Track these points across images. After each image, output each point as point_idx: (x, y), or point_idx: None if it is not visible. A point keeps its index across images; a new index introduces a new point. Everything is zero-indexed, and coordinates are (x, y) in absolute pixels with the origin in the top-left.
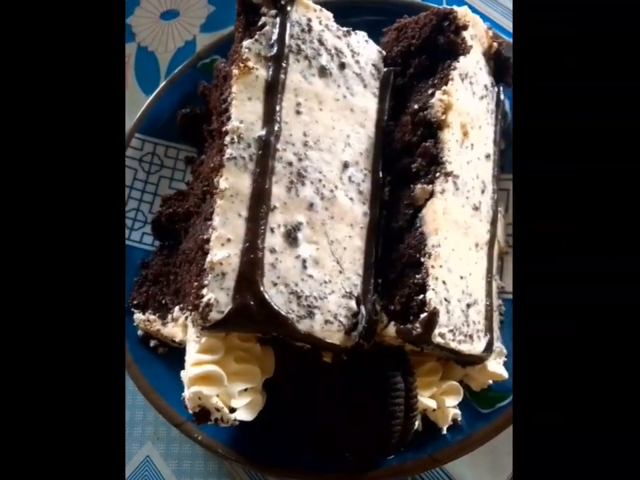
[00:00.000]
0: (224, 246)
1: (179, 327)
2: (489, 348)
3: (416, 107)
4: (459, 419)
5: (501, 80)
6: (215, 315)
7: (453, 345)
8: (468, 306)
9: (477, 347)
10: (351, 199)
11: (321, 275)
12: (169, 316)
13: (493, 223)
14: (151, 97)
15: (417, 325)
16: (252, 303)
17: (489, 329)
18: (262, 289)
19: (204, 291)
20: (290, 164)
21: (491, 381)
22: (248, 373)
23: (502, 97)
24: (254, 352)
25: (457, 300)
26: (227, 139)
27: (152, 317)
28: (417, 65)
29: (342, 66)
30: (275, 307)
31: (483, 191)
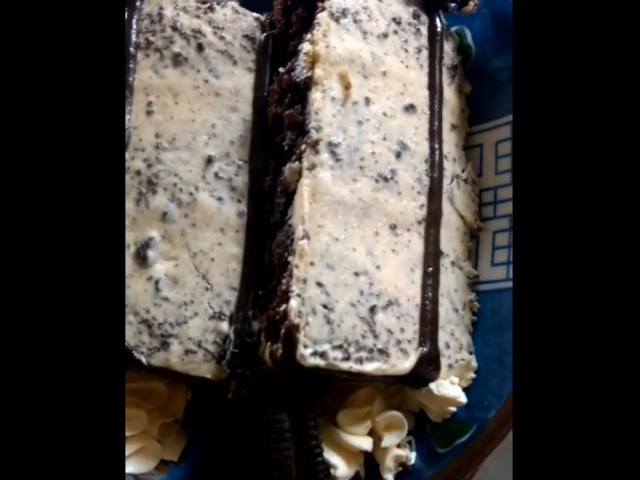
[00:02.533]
0: None
1: None
2: (428, 363)
3: (282, 69)
4: (411, 462)
5: (436, 6)
6: None
7: (346, 365)
8: (372, 310)
9: (397, 364)
10: (220, 198)
11: (179, 296)
12: None
13: (433, 194)
14: None
15: (279, 344)
16: None
17: (427, 337)
18: None
19: None
20: (138, 173)
21: (453, 409)
22: (130, 419)
23: (438, 27)
24: (148, 391)
25: (347, 304)
26: None
27: None
28: (295, 20)
29: (199, 47)
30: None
31: (398, 155)
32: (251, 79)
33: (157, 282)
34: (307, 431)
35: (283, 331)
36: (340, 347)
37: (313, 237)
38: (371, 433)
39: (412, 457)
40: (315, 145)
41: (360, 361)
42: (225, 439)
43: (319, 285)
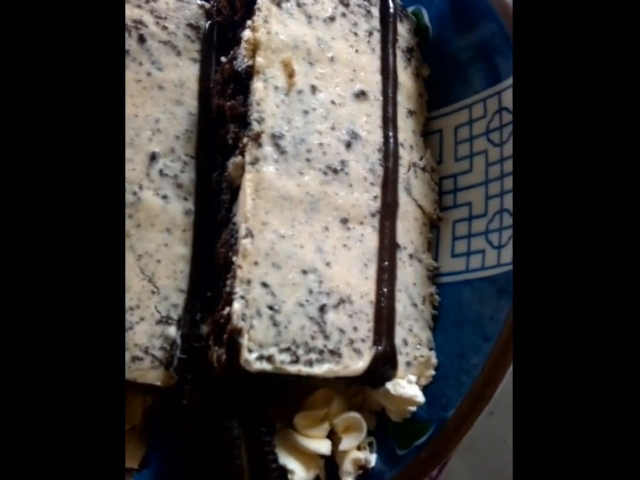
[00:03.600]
0: None
1: None
2: (383, 362)
3: (223, 59)
4: (371, 464)
5: None
6: None
7: (295, 368)
8: (322, 310)
9: (350, 364)
10: (165, 197)
11: (126, 301)
12: None
13: (388, 184)
14: None
15: (222, 349)
16: None
17: (382, 334)
18: None
19: None
20: None
21: (413, 408)
22: None
23: (391, 8)
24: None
25: (295, 304)
26: None
27: None
28: (239, 6)
29: (141, 39)
30: None
31: (348, 145)
32: (195, 70)
33: None
34: (259, 437)
35: (225, 335)
36: (287, 349)
37: (256, 235)
38: (330, 435)
39: (372, 459)
40: (257, 138)
41: (310, 363)
42: (183, 446)
43: (264, 285)
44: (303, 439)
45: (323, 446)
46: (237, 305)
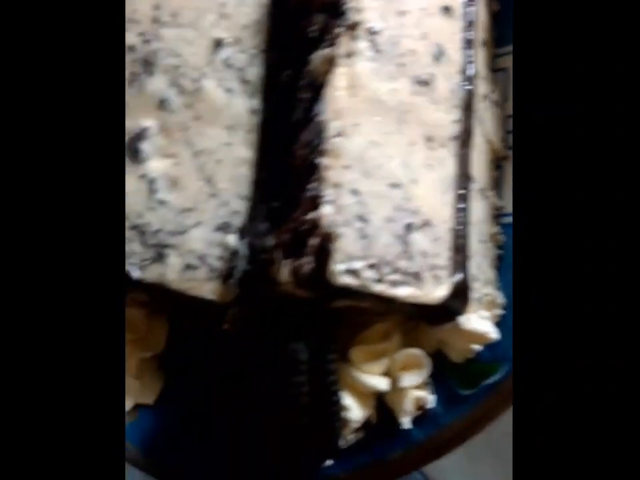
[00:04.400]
0: None
1: None
2: (459, 294)
3: None
4: (430, 405)
5: None
6: None
7: (379, 287)
8: (408, 228)
9: (431, 291)
10: (229, 90)
11: (180, 200)
12: None
13: (467, 108)
14: None
15: (308, 257)
16: None
17: (459, 264)
18: None
19: None
20: (132, 49)
21: (477, 347)
22: None
23: None
24: (136, 319)
25: (382, 219)
26: None
27: None
28: None
29: None
30: None
31: (437, 59)
32: None
33: (152, 181)
34: (325, 366)
35: (315, 241)
36: (373, 266)
37: (348, 135)
38: (386, 373)
39: (431, 399)
40: (353, 29)
41: (393, 284)
42: (221, 374)
43: (354, 192)
44: (361, 374)
45: (382, 382)
46: (327, 209)
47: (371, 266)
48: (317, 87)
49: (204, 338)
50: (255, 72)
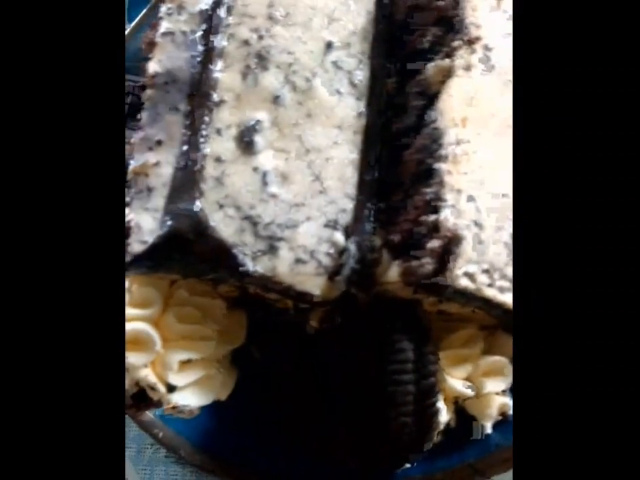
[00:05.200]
0: (152, 150)
1: None
2: None
3: None
4: (511, 411)
5: None
6: (136, 247)
7: (490, 292)
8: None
9: None
10: (338, 91)
11: (289, 195)
12: None
13: None
14: (129, 28)
15: (427, 259)
16: (187, 229)
17: None
18: (201, 211)
19: (127, 211)
20: (246, 43)
21: None
22: (194, 338)
23: None
24: (210, 310)
25: (494, 226)
26: (163, 9)
27: None
28: None
29: None
30: (220, 237)
31: None
32: None
33: (264, 174)
34: (428, 367)
35: (435, 243)
36: (487, 271)
37: (467, 143)
38: (467, 378)
39: (510, 406)
40: (472, 43)
41: (501, 290)
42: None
43: (471, 198)
44: (450, 379)
45: (469, 387)
46: (448, 213)
47: (485, 271)
48: (430, 96)
49: (288, 334)
50: (362, 76)
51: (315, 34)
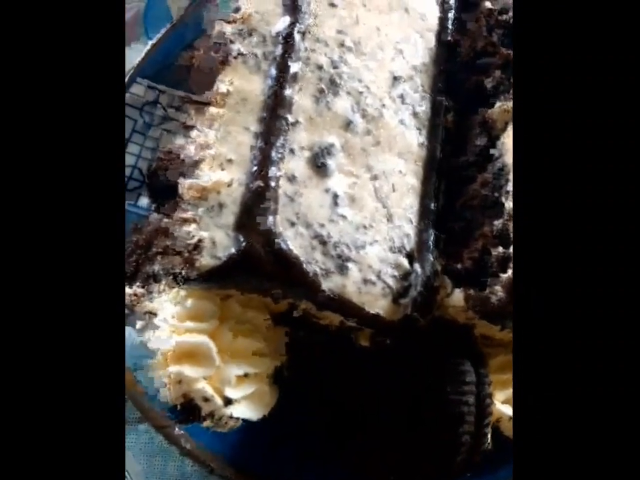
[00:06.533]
0: (223, 168)
1: (168, 299)
2: None
3: (489, 4)
4: None
5: None
6: (207, 261)
7: None
8: None
9: None
10: (403, 122)
11: (358, 217)
12: (157, 286)
13: None
14: (157, 36)
15: (498, 289)
16: (261, 246)
17: None
18: (275, 228)
19: (191, 227)
20: (320, 68)
21: None
22: (251, 352)
23: None
24: (260, 325)
25: None
26: (230, 29)
27: (139, 291)
28: None
29: None
30: (293, 253)
31: None
32: (435, 9)
33: (335, 196)
34: (485, 388)
35: (506, 276)
36: None
37: None
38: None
39: None
40: None
41: None
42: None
43: None
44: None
45: (507, 409)
46: None
47: None
48: (493, 134)
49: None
50: (423, 109)
51: (382, 65)
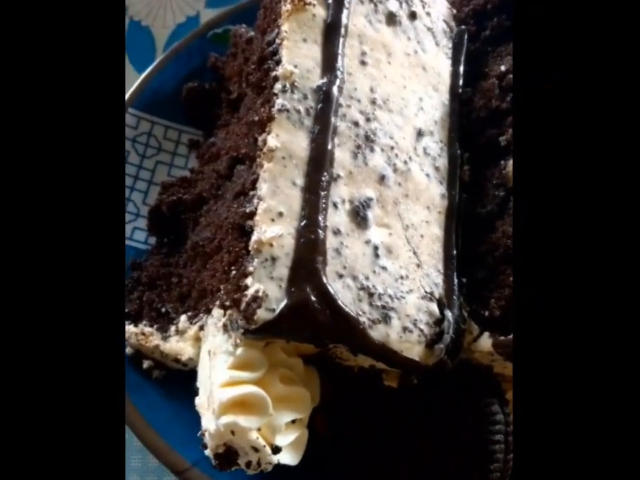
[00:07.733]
0: (274, 222)
1: (188, 341)
2: None
3: (503, 68)
4: None
5: None
6: (264, 314)
7: None
8: None
9: None
10: (427, 175)
11: (396, 267)
12: (172, 328)
13: None
14: (150, 68)
15: None
16: (314, 299)
17: None
18: (325, 280)
19: (248, 281)
20: (356, 124)
21: None
22: (297, 399)
23: None
24: (299, 370)
25: None
26: (278, 86)
27: (148, 330)
28: (495, 25)
29: (412, 15)
30: (344, 306)
31: None
32: (447, 65)
33: (375, 248)
34: (510, 425)
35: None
36: None
37: None
38: None
39: None
40: None
41: None
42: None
43: None
44: None
45: None
46: None
47: None
48: (510, 188)
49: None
50: (443, 162)
51: (409, 121)
